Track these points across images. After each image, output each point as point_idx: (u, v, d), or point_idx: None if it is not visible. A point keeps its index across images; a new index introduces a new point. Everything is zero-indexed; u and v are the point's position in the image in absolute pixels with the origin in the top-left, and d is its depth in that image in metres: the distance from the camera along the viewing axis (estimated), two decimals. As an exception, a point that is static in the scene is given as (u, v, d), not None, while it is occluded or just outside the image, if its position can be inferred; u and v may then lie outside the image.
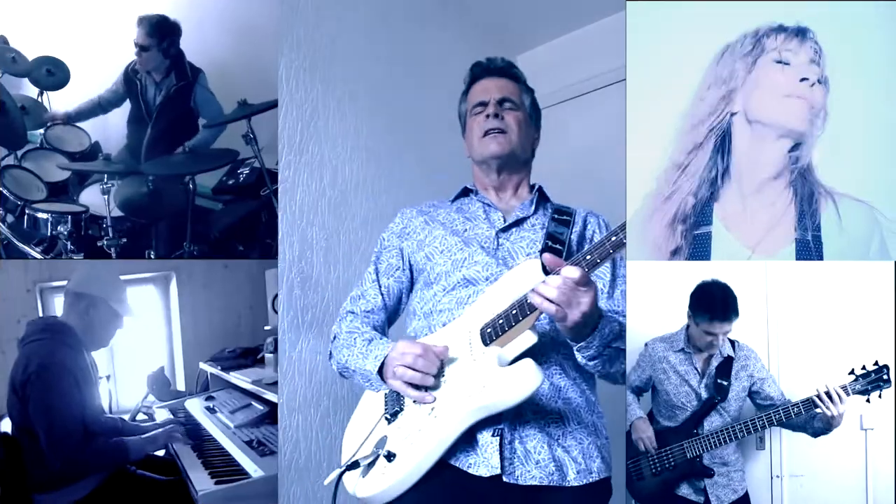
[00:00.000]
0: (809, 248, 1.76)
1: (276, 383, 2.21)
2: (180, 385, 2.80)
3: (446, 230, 1.61)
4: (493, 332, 1.39)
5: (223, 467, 2.07)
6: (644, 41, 1.85)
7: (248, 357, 2.59)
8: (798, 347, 1.98)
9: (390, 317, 1.70)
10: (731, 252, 1.80)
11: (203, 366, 2.74)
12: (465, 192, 1.70)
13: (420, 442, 1.34)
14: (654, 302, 1.99)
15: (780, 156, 1.79)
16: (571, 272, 1.31)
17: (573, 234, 1.59)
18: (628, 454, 1.95)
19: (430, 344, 1.43)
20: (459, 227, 1.61)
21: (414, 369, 1.38)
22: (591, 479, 1.44)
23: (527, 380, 1.30)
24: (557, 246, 1.53)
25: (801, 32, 1.80)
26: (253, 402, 2.39)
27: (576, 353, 1.44)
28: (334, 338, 1.64)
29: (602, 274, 1.60)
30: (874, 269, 1.81)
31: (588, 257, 1.34)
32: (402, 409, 1.42)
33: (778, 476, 1.98)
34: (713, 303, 1.89)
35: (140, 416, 2.57)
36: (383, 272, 1.67)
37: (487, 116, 1.63)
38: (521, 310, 1.37)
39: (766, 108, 1.80)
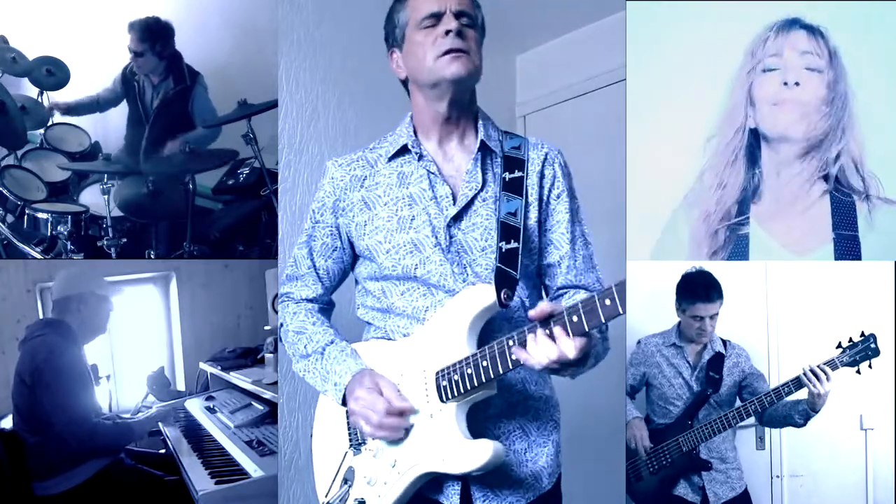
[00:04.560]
0: (847, 248, 1.76)
1: (276, 383, 2.21)
2: (180, 385, 2.80)
3: (391, 220, 1.39)
4: (448, 389, 1.27)
5: (223, 467, 2.06)
6: (644, 41, 1.86)
7: (248, 357, 2.59)
8: (798, 347, 1.98)
9: (335, 289, 1.54)
10: (769, 252, 1.80)
11: (203, 366, 2.74)
12: (405, 149, 1.43)
13: (386, 494, 1.33)
14: (655, 302, 1.99)
15: (800, 161, 1.79)
16: (568, 349, 1.15)
17: (530, 207, 1.40)
18: (627, 456, 1.96)
19: (393, 395, 1.31)
20: (405, 215, 1.38)
21: (382, 429, 1.30)
22: (556, 476, 1.43)
23: (488, 459, 1.23)
24: (512, 244, 1.34)
25: (787, 26, 1.78)
26: (253, 402, 2.39)
27: None
28: (281, 324, 1.52)
29: (558, 240, 1.43)
30: (874, 269, 1.81)
31: (574, 319, 1.16)
32: (365, 442, 1.38)
33: (778, 476, 1.98)
34: (694, 286, 1.92)
35: (140, 417, 2.57)
36: (319, 253, 1.48)
37: (448, 33, 1.34)
38: (479, 373, 1.24)
39: (764, 120, 1.81)
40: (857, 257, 1.75)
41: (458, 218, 1.38)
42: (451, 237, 1.37)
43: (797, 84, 1.77)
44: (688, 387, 1.96)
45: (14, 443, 2.13)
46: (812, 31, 1.78)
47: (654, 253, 1.86)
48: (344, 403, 1.37)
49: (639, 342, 2.01)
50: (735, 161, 1.82)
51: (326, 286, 1.50)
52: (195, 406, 2.59)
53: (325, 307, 1.53)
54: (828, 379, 1.77)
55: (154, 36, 2.44)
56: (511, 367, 1.23)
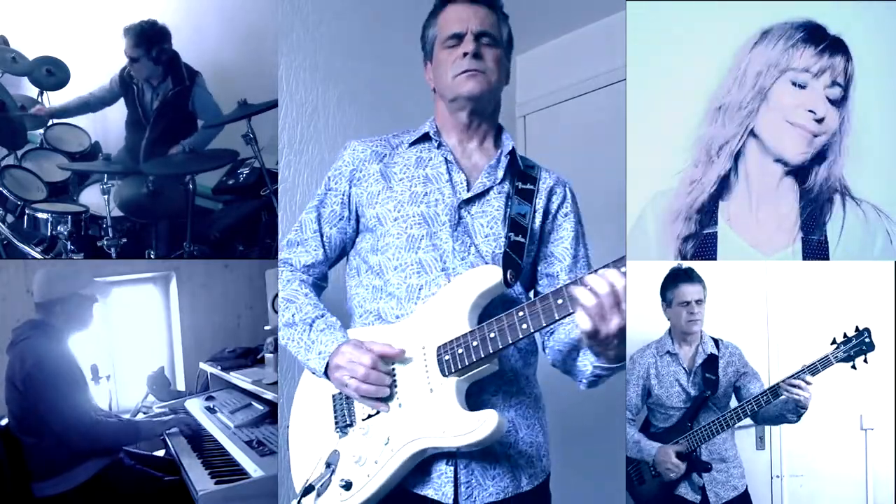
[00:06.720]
0: (815, 249, 1.75)
1: (276, 383, 2.21)
2: (180, 385, 2.80)
3: (404, 193, 1.45)
4: (452, 363, 1.30)
5: (223, 467, 2.07)
6: (644, 41, 1.86)
7: (248, 357, 2.59)
8: (798, 347, 1.98)
9: (331, 264, 1.58)
10: (737, 252, 1.79)
11: (203, 366, 2.74)
12: (426, 137, 1.51)
13: (377, 474, 1.32)
14: (650, 303, 1.99)
15: (782, 170, 1.78)
16: (615, 276, 1.20)
17: (536, 214, 1.47)
18: (628, 460, 1.95)
19: (378, 346, 1.34)
20: (419, 190, 1.44)
21: (367, 382, 1.31)
22: (539, 480, 1.43)
23: (489, 431, 1.25)
24: (519, 238, 1.41)
25: (832, 46, 1.71)
26: (253, 402, 2.39)
27: (589, 364, 1.37)
28: None
29: (561, 254, 1.51)
30: (874, 269, 1.81)
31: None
32: (353, 423, 1.37)
33: (778, 476, 1.98)
34: (675, 273, 1.90)
35: (140, 417, 2.57)
36: (326, 219, 1.52)
37: (465, 55, 1.43)
38: (486, 345, 1.28)
39: (769, 129, 1.75)
40: (825, 257, 1.74)
41: (469, 202, 1.45)
42: (459, 217, 1.43)
43: (820, 121, 1.69)
44: (685, 393, 1.96)
45: (13, 442, 2.13)
46: (849, 59, 1.70)
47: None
48: (326, 376, 1.38)
49: (631, 358, 1.98)
50: (717, 160, 1.80)
51: (327, 254, 1.54)
52: (195, 406, 2.60)
53: (318, 281, 1.56)
54: (808, 383, 1.76)
55: (149, 41, 2.41)
56: (521, 335, 1.27)
